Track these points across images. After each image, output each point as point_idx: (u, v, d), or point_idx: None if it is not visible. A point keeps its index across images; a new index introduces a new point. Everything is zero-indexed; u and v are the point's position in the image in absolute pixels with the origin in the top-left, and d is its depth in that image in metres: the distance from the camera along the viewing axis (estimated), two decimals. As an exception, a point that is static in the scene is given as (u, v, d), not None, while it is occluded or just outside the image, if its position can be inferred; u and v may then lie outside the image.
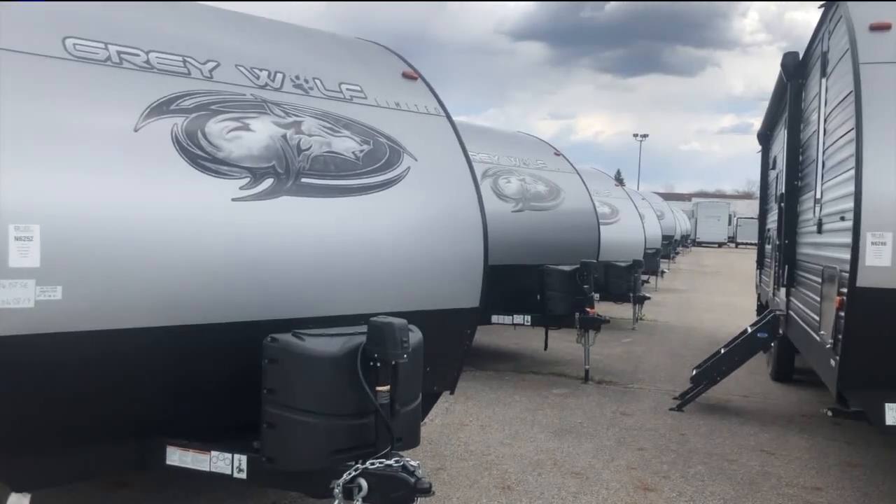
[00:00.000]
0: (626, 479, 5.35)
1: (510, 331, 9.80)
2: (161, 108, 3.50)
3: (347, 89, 4.55)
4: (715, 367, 7.45)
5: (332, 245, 3.92)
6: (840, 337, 4.31)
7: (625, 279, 12.92)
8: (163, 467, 3.67)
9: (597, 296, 11.95)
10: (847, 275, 4.15)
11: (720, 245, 58.10)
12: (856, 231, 4.07)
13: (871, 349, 4.23)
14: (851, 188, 4.16)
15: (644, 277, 17.52)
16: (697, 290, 21.68)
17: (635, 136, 75.65)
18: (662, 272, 21.01)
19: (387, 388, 3.42)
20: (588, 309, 8.54)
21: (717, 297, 19.40)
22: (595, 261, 9.54)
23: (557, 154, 10.82)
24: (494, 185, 9.02)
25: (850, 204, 4.16)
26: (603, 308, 13.07)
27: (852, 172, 4.17)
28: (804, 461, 5.90)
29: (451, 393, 4.98)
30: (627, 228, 14.58)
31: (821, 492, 5.24)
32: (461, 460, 5.63)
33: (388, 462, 3.34)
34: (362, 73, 4.76)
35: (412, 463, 3.38)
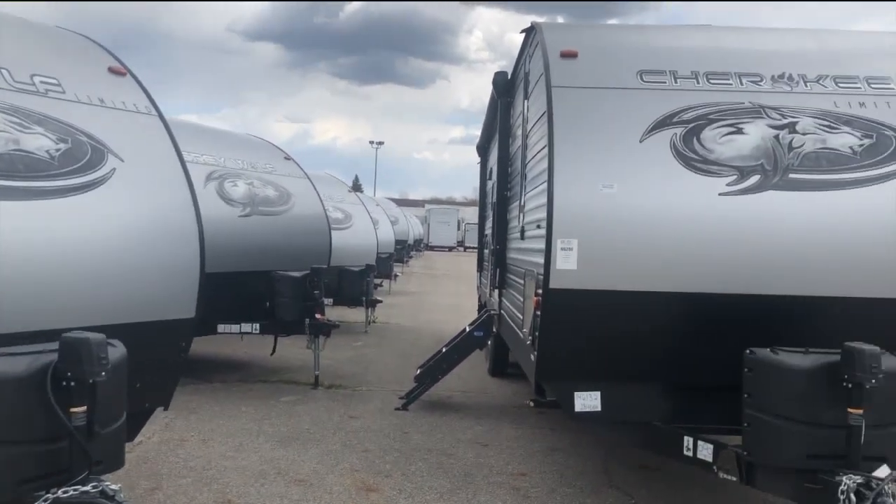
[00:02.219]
0: (349, 481, 5.43)
1: (239, 340, 9.53)
2: None
3: (42, 82, 4.14)
4: (437, 366, 7.82)
5: (13, 253, 3.53)
6: (537, 334, 4.73)
7: (357, 283, 13.16)
8: None
9: (329, 301, 12.09)
10: (542, 277, 4.55)
11: (450, 249, 61.16)
12: (548, 238, 4.47)
13: (562, 344, 4.68)
14: (545, 199, 4.58)
15: (377, 281, 17.97)
16: (428, 292, 22.63)
17: (371, 142, 77.56)
18: (396, 276, 21.65)
19: (83, 408, 3.17)
20: (318, 314, 8.56)
21: (446, 298, 20.39)
22: (326, 266, 9.60)
23: (288, 158, 10.71)
24: (220, 189, 8.71)
25: (544, 213, 4.57)
26: (336, 312, 13.23)
27: (545, 185, 4.60)
28: (513, 449, 6.38)
29: (166, 408, 4.73)
30: (360, 233, 14.84)
31: (526, 476, 5.70)
32: (180, 477, 5.37)
33: (84, 488, 3.10)
34: (60, 66, 4.36)
35: (112, 487, 3.17)
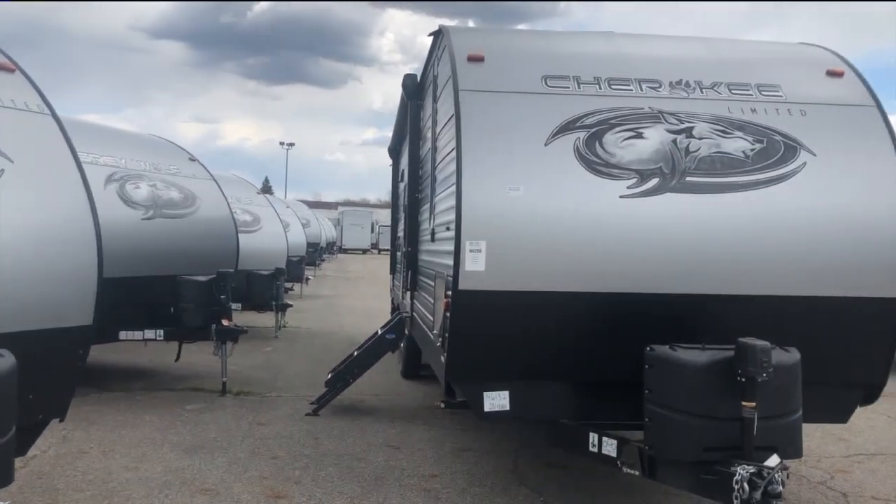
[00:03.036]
0: (257, 489, 5.32)
1: (143, 347, 9.21)
2: None
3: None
4: (348, 370, 7.76)
5: None
6: (446, 335, 4.76)
7: (267, 287, 12.92)
8: None
9: (237, 305, 11.83)
10: (452, 279, 4.59)
11: (364, 251, 60.88)
12: (457, 240, 4.51)
13: (471, 345, 4.72)
14: (454, 201, 4.62)
15: (288, 285, 17.69)
16: (341, 295, 22.45)
17: (282, 144, 76.36)
18: (307, 279, 21.36)
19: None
20: (225, 320, 8.36)
21: (359, 301, 20.28)
22: (233, 270, 9.39)
23: (193, 159, 10.43)
24: (121, 191, 8.41)
25: (453, 216, 4.61)
26: (245, 317, 12.97)
27: (454, 188, 4.63)
28: (424, 451, 6.40)
29: (61, 420, 4.52)
30: (270, 236, 14.58)
31: (437, 478, 5.72)
32: (77, 492, 5.15)
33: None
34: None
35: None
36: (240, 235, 10.35)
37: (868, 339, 4.89)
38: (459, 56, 5.02)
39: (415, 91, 7.33)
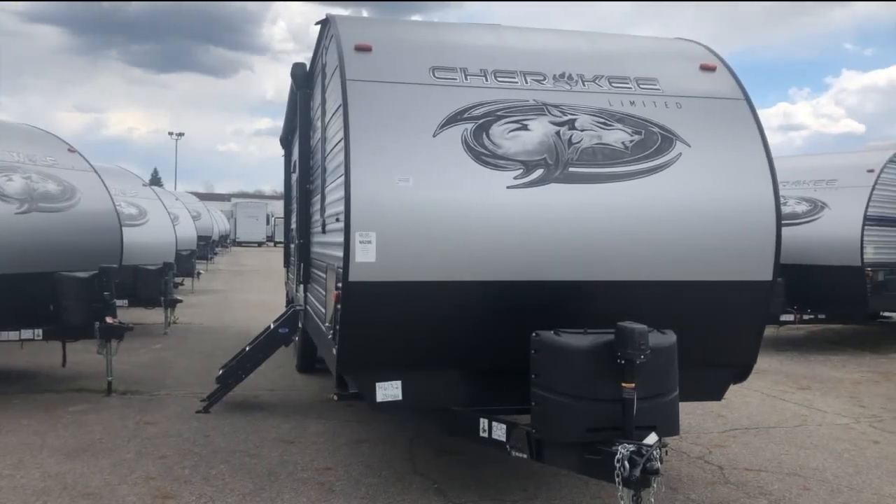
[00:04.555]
0: (144, 490, 5.16)
1: (20, 349, 8.73)
2: None
3: None
4: (240, 366, 7.61)
5: None
6: (337, 327, 4.74)
7: (155, 283, 12.52)
8: None
9: (123, 302, 11.40)
10: (342, 270, 4.57)
11: (260, 244, 59.69)
12: (347, 231, 4.49)
13: (362, 336, 4.72)
14: (343, 192, 4.59)
15: (178, 280, 17.18)
16: (235, 289, 21.94)
17: (171, 134, 73.78)
18: (199, 273, 20.79)
19: None
20: (108, 317, 8.03)
21: (254, 295, 19.88)
22: (118, 265, 9.03)
23: (72, 150, 9.95)
24: (-9, 184, 7.94)
25: (343, 207, 4.58)
26: (133, 314, 12.53)
27: (343, 179, 4.61)
28: (319, 445, 6.36)
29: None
30: (157, 230, 14.08)
31: (331, 471, 5.70)
32: (-55, 504, 4.86)
33: None
34: None
35: None
36: (125, 229, 9.94)
37: (739, 320, 5.18)
38: (347, 45, 4.99)
39: (304, 80, 7.24)
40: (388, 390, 4.81)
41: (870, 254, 12.01)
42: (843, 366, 11.20)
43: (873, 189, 12.13)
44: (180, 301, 13.45)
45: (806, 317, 12.73)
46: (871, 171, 12.34)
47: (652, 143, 5.01)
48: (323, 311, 5.78)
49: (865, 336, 14.15)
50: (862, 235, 11.91)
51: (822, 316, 12.98)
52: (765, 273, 5.04)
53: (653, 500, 4.05)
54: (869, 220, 12.02)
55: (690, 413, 7.40)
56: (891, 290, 12.53)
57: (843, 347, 13.07)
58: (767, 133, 5.29)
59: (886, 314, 15.30)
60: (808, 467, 6.05)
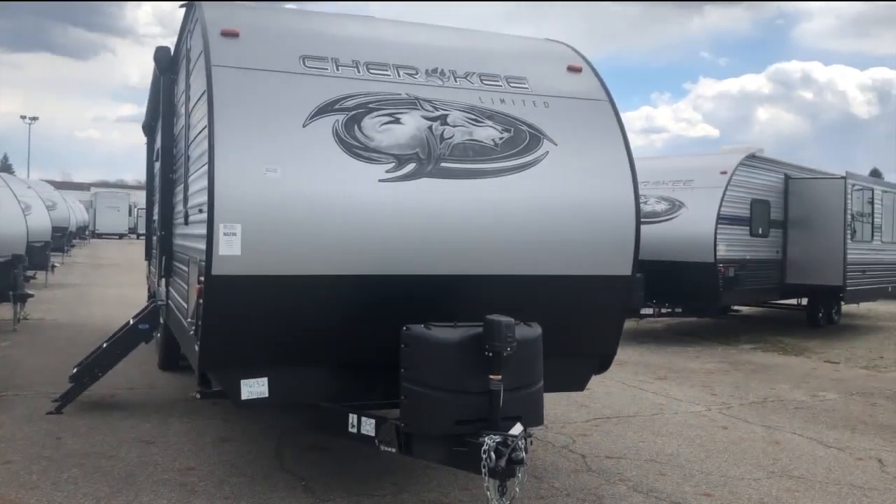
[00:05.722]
0: (-16, 499, 4.80)
1: None
2: None
3: None
4: (96, 363, 7.21)
5: None
6: (200, 322, 4.56)
7: (3, 276, 11.68)
8: None
9: (-35, 297, 10.57)
10: (205, 263, 4.39)
11: (121, 236, 56.87)
12: (210, 223, 4.32)
13: (226, 332, 4.56)
14: (206, 182, 4.41)
15: (30, 273, 16.08)
16: (93, 283, 20.83)
17: (23, 118, 68.98)
18: (54, 266, 19.54)
19: None
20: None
21: (114, 289, 18.93)
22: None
23: None
24: None
25: (206, 197, 4.40)
26: (-25, 310, 11.62)
27: (207, 168, 4.43)
28: (181, 444, 6.11)
29: None
30: (4, 220, 13.13)
31: (194, 471, 5.49)
32: None
33: None
34: None
35: None
36: (-34, 218, 9.21)
37: (601, 313, 5.37)
38: (212, 30, 4.80)
39: (168, 65, 6.92)
40: (254, 387, 4.68)
41: (722, 251, 12.81)
42: (697, 356, 11.88)
43: (726, 190, 12.94)
44: (31, 296, 12.60)
45: (664, 310, 13.44)
46: (724, 172, 13.15)
47: (521, 141, 5.11)
48: (185, 305, 5.54)
49: (718, 328, 15.09)
50: (715, 233, 12.68)
51: (679, 309, 13.75)
52: (625, 268, 5.25)
53: (518, 489, 4.15)
54: (722, 219, 12.81)
55: (557, 404, 7.62)
56: (740, 286, 13.42)
57: (697, 339, 13.87)
58: (631, 135, 5.54)
59: (736, 308, 16.39)
60: (664, 453, 6.36)
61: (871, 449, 6.68)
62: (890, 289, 16.81)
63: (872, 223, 15.48)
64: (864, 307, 19.03)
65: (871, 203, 15.44)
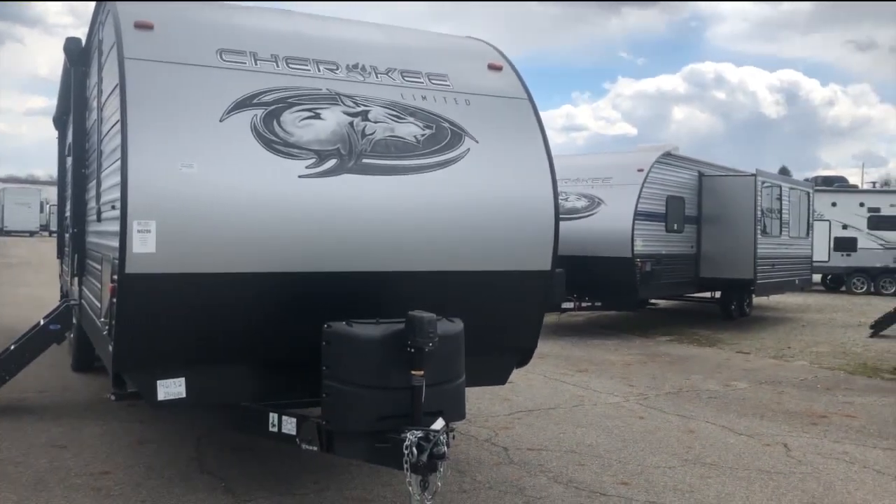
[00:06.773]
0: None
1: None
2: None
3: None
4: (3, 366, 6.91)
5: None
6: (113, 322, 4.43)
7: None
8: None
9: None
10: (118, 261, 4.26)
11: (32, 234, 54.58)
12: (123, 219, 4.20)
13: (141, 331, 4.44)
14: (119, 178, 4.28)
15: (-69, 273, 15.27)
16: (1, 282, 19.94)
17: (-76, 109, 65.31)
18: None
19: None
20: None
21: (23, 289, 18.20)
22: None
23: None
24: None
25: (119, 193, 4.28)
26: None
27: (119, 163, 4.30)
28: (96, 448, 5.93)
29: None
30: None
31: (109, 475, 5.34)
32: None
33: None
34: None
35: None
36: None
37: (521, 308, 5.46)
38: (125, 21, 4.66)
39: (79, 56, 6.67)
40: (171, 388, 4.57)
41: (639, 246, 13.17)
42: (616, 349, 12.18)
43: (642, 187, 13.30)
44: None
45: (584, 304, 13.75)
46: (640, 170, 13.52)
47: (443, 138, 5.13)
48: (99, 305, 5.37)
49: (636, 322, 15.50)
50: (633, 229, 13.02)
51: (598, 303, 14.08)
52: (544, 263, 5.34)
53: (440, 483, 4.18)
54: (638, 216, 13.16)
55: (480, 398, 7.71)
56: (657, 280, 13.83)
57: (616, 332, 14.22)
58: (552, 133, 5.70)
59: (654, 301, 16.88)
60: (584, 444, 6.51)
61: (777, 435, 6.99)
62: (797, 281, 17.61)
63: (781, 219, 16.18)
64: (774, 299, 19.85)
65: (780, 199, 16.13)
